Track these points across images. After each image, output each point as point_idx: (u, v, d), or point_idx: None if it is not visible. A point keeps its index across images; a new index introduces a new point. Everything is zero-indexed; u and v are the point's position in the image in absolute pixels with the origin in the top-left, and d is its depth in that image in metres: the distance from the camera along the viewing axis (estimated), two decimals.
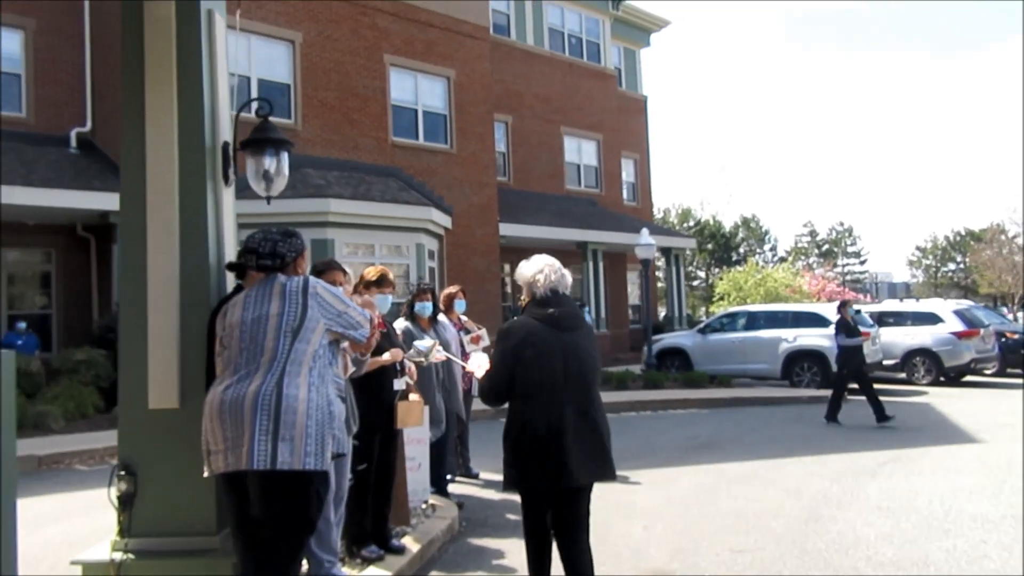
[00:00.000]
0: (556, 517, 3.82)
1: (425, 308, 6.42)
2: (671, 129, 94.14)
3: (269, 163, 3.91)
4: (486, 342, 7.47)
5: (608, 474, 3.84)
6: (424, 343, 5.24)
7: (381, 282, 4.98)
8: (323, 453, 3.09)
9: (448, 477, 7.44)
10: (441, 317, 7.34)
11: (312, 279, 3.35)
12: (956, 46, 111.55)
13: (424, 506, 5.89)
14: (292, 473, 3.01)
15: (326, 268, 4.50)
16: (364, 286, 4.96)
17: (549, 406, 3.62)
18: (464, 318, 7.68)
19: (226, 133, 3.93)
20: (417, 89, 18.17)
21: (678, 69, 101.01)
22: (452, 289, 7.76)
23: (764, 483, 7.39)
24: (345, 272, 4.68)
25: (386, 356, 4.92)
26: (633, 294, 27.52)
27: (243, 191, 13.99)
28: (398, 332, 6.13)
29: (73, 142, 14.94)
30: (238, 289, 3.57)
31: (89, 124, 15.18)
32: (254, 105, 4.24)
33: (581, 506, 3.84)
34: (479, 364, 4.20)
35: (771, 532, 5.72)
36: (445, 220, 17.60)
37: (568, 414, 3.65)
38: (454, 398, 6.62)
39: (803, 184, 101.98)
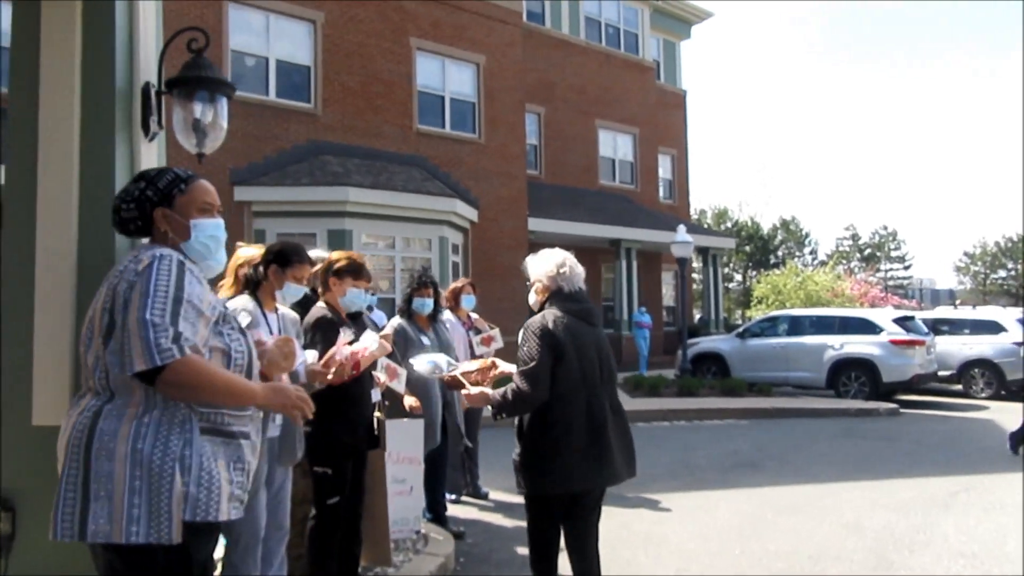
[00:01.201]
0: (574, 525, 3.64)
1: (424, 305, 5.53)
2: (710, 126, 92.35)
3: (201, 111, 3.01)
4: (499, 344, 6.56)
5: (634, 471, 3.75)
6: (436, 358, 4.33)
7: (352, 271, 4.03)
8: (161, 518, 2.04)
9: (452, 497, 6.57)
10: (448, 315, 6.48)
11: (152, 257, 2.17)
12: (1005, 44, 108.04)
13: (416, 537, 4.99)
14: (114, 548, 2.05)
15: (290, 255, 3.60)
16: (334, 275, 4.03)
17: (591, 404, 3.50)
18: (475, 316, 6.79)
19: (149, 72, 3.05)
20: (445, 75, 17.30)
21: (719, 63, 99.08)
22: (459, 283, 6.88)
23: (817, 514, 6.38)
24: (313, 264, 3.81)
25: (364, 346, 3.93)
26: (668, 295, 26.43)
27: (259, 177, 12.91)
28: (389, 331, 5.25)
29: None
30: None
31: None
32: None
33: (597, 511, 3.72)
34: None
35: None
36: (471, 213, 16.76)
37: (608, 411, 3.56)
38: (453, 409, 5.69)
39: (845, 186, 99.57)
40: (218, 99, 3.08)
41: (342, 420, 3.82)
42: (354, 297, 4.03)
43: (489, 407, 3.67)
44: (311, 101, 15.07)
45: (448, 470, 6.55)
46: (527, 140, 20.12)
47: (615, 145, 24.59)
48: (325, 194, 13.84)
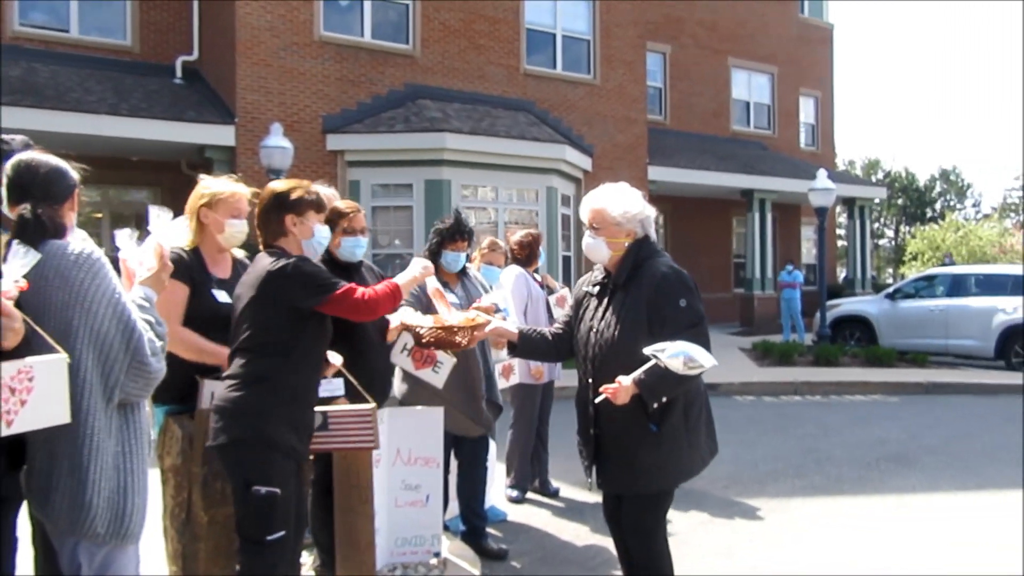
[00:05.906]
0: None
1: (457, 261, 4.27)
2: (860, 66, 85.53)
3: None
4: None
5: None
6: (689, 349, 2.74)
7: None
8: None
9: (515, 495, 5.38)
10: (516, 269, 5.28)
11: None
12: None
13: (434, 562, 3.80)
14: None
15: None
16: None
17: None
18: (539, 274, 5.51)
19: None
20: (556, 9, 15.80)
21: None
22: (534, 231, 5.58)
23: (999, 546, 4.76)
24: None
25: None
26: (808, 252, 24.08)
27: (352, 124, 11.85)
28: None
29: (179, 71, 13.81)
30: None
31: (196, 52, 13.99)
32: None
33: None
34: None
35: None
36: (583, 161, 15.35)
37: None
38: (492, 386, 4.40)
39: (1015, 131, 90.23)
40: None
41: (284, 420, 2.69)
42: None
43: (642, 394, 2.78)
44: (409, 42, 13.98)
45: (516, 458, 5.40)
46: (650, 82, 18.43)
47: (750, 86, 22.41)
48: (420, 141, 12.81)
